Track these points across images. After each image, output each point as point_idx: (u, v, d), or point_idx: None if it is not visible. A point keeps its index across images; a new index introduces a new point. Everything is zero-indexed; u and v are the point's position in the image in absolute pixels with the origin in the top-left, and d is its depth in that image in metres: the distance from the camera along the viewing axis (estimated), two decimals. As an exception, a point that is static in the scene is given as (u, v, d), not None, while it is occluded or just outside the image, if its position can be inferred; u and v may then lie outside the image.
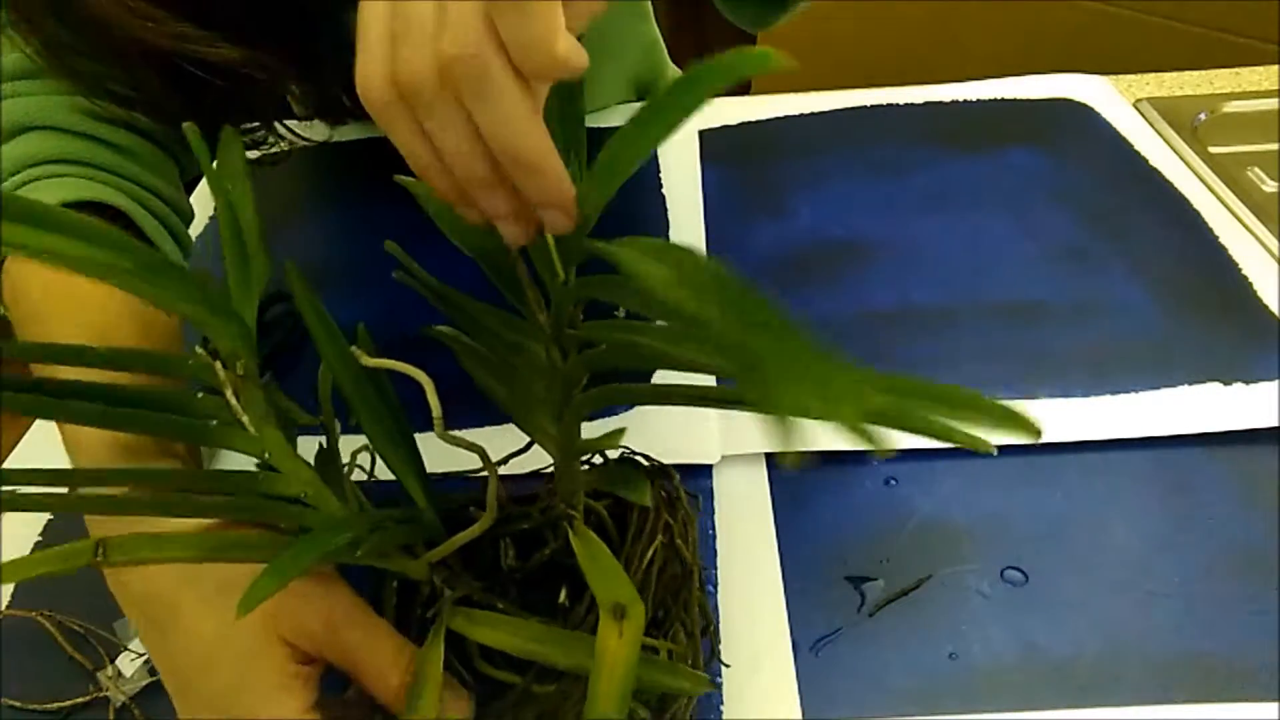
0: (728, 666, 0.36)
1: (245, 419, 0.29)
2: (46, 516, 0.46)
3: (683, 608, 0.33)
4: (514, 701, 0.30)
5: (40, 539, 0.45)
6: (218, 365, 0.29)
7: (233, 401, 0.29)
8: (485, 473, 0.32)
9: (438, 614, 0.30)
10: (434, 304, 0.32)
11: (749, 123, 0.71)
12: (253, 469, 0.30)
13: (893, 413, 0.20)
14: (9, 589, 0.42)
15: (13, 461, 0.49)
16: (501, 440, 0.35)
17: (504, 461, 0.37)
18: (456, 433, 0.31)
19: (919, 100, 0.71)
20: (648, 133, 0.22)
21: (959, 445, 0.21)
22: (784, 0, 0.50)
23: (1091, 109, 0.68)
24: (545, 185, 0.24)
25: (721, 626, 0.37)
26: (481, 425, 0.44)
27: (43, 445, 0.50)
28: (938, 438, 0.20)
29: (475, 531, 0.31)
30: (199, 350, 0.29)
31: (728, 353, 0.18)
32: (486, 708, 0.31)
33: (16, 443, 0.50)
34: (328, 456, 0.32)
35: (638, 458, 0.37)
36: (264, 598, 0.23)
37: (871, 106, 0.71)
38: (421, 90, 0.24)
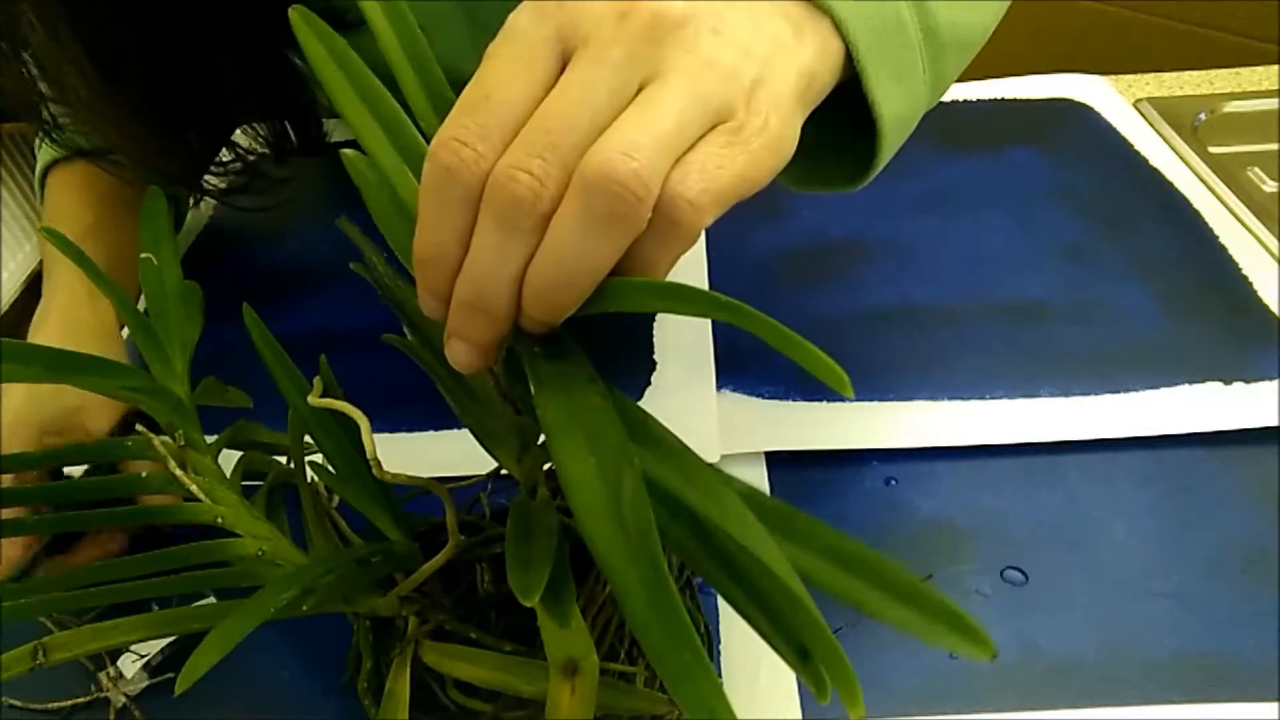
0: (720, 679, 0.36)
1: (194, 488, 0.29)
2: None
3: None
4: None
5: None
6: (157, 440, 0.29)
7: (178, 473, 0.29)
8: (473, 480, 0.32)
9: (403, 647, 0.30)
10: (395, 312, 0.31)
11: (749, 123, 0.71)
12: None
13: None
14: (9, 589, 0.42)
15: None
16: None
17: (492, 481, 0.37)
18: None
19: (919, 100, 0.71)
20: (636, 298, 0.21)
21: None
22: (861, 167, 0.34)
23: (1091, 109, 0.68)
24: (556, 315, 0.22)
25: (721, 627, 0.37)
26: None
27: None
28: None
29: (438, 563, 0.30)
30: (139, 428, 0.29)
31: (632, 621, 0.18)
32: None
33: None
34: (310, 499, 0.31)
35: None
36: (208, 667, 0.22)
37: (871, 106, 0.71)
38: (526, 199, 0.20)
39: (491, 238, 0.21)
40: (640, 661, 0.31)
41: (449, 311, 0.22)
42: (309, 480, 0.32)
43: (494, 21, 0.23)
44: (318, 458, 0.33)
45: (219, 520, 0.29)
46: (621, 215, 0.20)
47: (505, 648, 0.30)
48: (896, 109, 0.29)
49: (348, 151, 0.28)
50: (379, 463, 0.28)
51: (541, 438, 0.27)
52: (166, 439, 0.30)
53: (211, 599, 0.38)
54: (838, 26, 0.26)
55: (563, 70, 0.22)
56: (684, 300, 0.20)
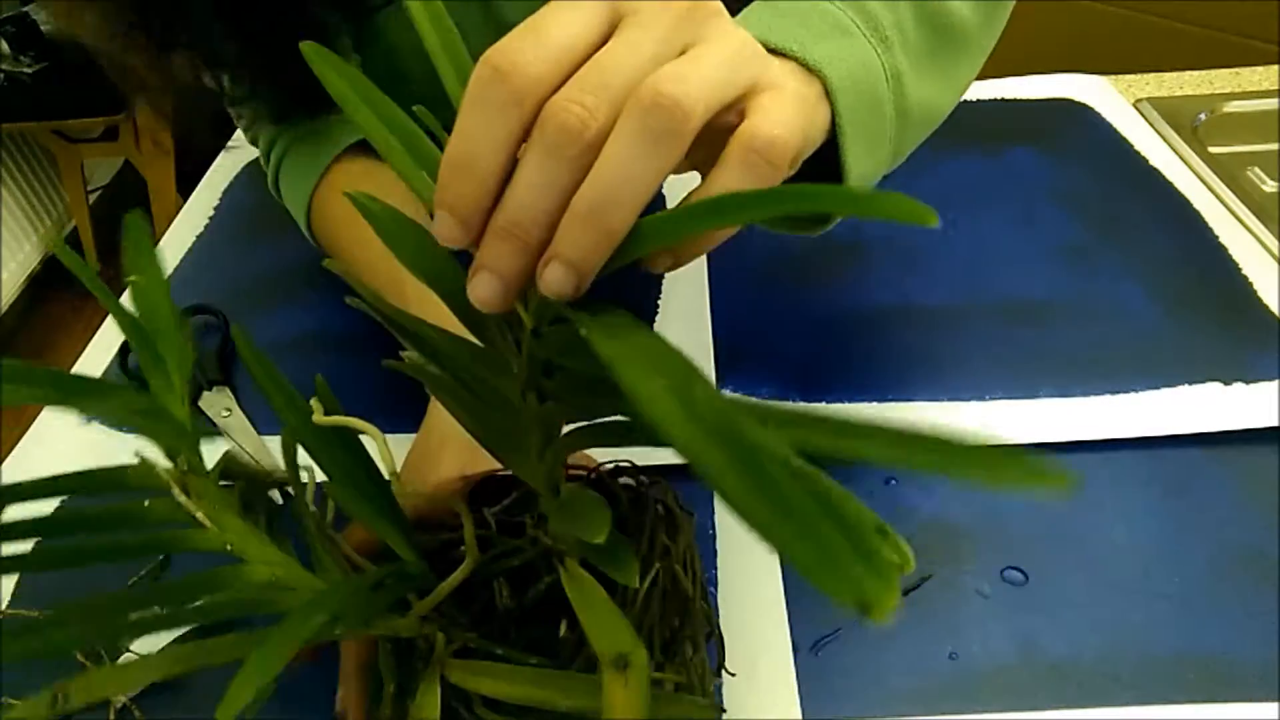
0: (733, 675, 0.36)
1: (200, 514, 0.28)
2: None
3: (688, 628, 0.32)
4: None
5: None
6: (159, 467, 0.28)
7: (182, 500, 0.28)
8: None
9: (432, 668, 0.29)
10: (392, 332, 0.30)
11: (749, 123, 0.71)
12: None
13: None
14: (9, 588, 0.42)
15: (10, 462, 0.49)
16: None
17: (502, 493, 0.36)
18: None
19: (919, 100, 0.71)
20: (699, 220, 0.21)
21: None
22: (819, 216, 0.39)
23: (1091, 109, 0.68)
24: (596, 247, 0.22)
25: (722, 627, 0.37)
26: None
27: (36, 451, 0.50)
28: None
29: (456, 580, 0.29)
30: (138, 454, 0.29)
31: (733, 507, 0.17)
32: None
33: (16, 442, 0.50)
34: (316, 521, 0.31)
35: (636, 473, 0.36)
36: (245, 702, 0.22)
37: (871, 106, 0.71)
38: (574, 127, 0.21)
39: (537, 165, 0.22)
40: (667, 667, 0.30)
41: (481, 244, 0.23)
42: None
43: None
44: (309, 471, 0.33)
45: (228, 547, 0.29)
46: (670, 131, 0.21)
47: (531, 661, 0.29)
48: (862, 169, 0.33)
49: (352, 193, 0.28)
50: (397, 476, 0.28)
51: (567, 427, 0.27)
52: (169, 465, 0.29)
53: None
54: (828, 92, 0.30)
55: (609, 37, 0.24)
56: (729, 211, 0.21)
